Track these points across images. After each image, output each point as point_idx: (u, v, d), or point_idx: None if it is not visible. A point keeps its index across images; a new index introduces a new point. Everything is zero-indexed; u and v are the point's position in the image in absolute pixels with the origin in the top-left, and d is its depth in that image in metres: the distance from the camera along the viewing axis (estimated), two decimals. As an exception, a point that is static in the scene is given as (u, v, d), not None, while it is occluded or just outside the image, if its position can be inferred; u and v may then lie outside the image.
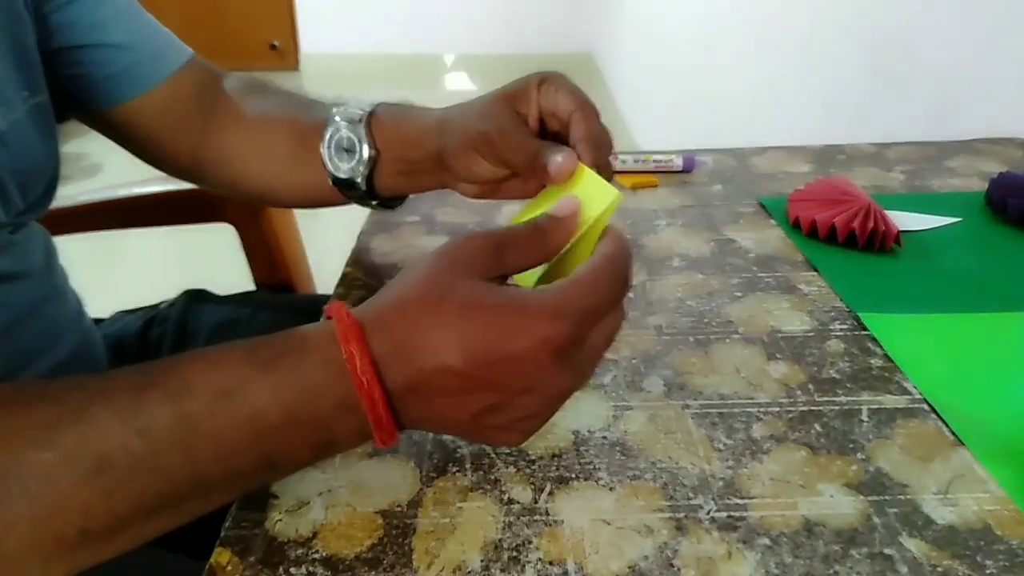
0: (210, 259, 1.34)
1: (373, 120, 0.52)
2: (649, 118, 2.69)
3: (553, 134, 0.46)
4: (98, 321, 0.68)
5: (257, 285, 0.82)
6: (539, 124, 0.47)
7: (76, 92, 0.53)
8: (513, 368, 0.30)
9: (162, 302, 0.71)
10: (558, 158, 0.40)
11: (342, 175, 0.53)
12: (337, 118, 0.53)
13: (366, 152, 0.52)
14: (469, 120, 0.48)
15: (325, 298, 0.57)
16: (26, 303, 0.49)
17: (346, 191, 0.55)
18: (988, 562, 0.32)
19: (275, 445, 0.30)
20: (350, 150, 0.53)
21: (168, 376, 0.30)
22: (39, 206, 0.50)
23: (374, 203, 0.56)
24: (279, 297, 0.77)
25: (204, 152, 0.59)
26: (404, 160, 0.52)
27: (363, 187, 0.54)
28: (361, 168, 0.52)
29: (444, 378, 0.30)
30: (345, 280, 0.55)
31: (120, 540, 0.30)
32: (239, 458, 0.30)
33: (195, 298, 0.70)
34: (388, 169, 0.53)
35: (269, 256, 0.80)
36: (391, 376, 0.30)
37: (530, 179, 0.45)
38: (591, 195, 0.38)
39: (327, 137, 0.53)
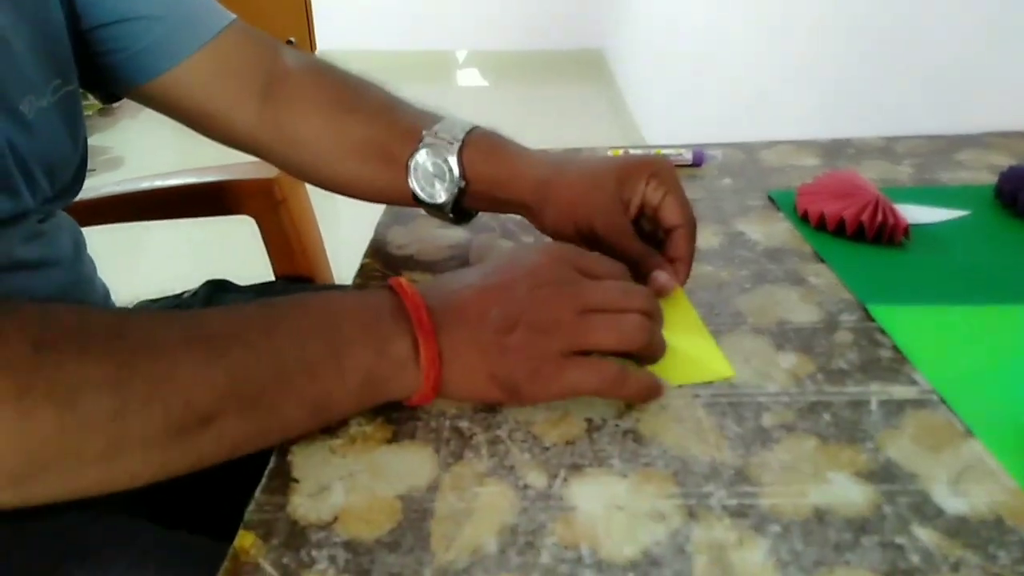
0: (230, 251, 1.36)
1: (466, 150, 0.51)
2: (658, 113, 2.68)
3: (642, 218, 0.51)
4: (122, 311, 0.69)
5: (276, 276, 0.83)
6: (638, 211, 0.50)
7: (112, 70, 0.52)
8: (513, 273, 0.40)
9: (184, 292, 0.72)
10: (662, 277, 0.47)
11: (426, 198, 0.53)
12: (426, 147, 0.52)
13: (456, 182, 0.52)
14: (575, 196, 0.49)
15: (343, 288, 0.57)
16: (55, 291, 0.50)
17: (426, 207, 0.55)
18: (1001, 553, 0.32)
19: (342, 337, 0.37)
20: (439, 176, 0.52)
21: (256, 300, 0.39)
22: (67, 194, 0.51)
23: (451, 217, 0.55)
24: (299, 287, 0.78)
25: (264, 131, 0.57)
26: (490, 195, 0.53)
27: (449, 210, 0.54)
28: (449, 196, 0.52)
29: (466, 289, 0.40)
30: (363, 271, 0.56)
31: (210, 436, 0.33)
32: (314, 343, 0.36)
33: (217, 288, 0.71)
34: (473, 197, 0.53)
35: (288, 248, 0.81)
36: (430, 298, 0.39)
37: None
38: (706, 359, 0.45)
39: (414, 162, 0.53)
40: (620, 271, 0.43)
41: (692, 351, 0.45)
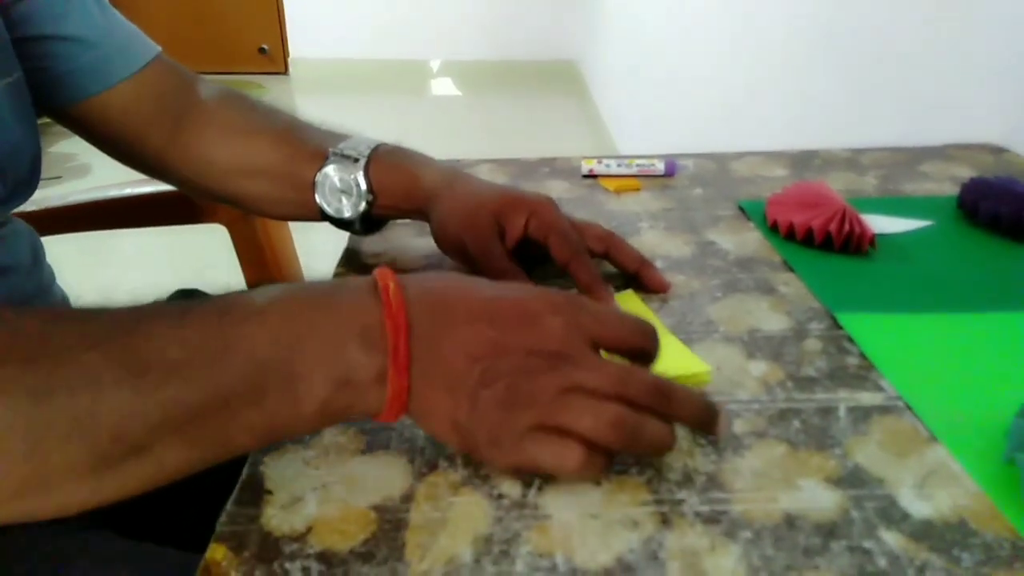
0: (201, 259, 1.34)
1: (373, 164, 0.54)
2: (631, 124, 2.71)
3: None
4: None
5: (248, 285, 0.82)
6: (520, 240, 0.52)
7: (40, 86, 0.53)
8: (515, 321, 0.35)
9: (155, 301, 0.70)
10: None
11: (333, 213, 0.56)
12: (332, 164, 0.54)
13: (364, 195, 0.54)
14: (455, 214, 0.52)
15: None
16: (11, 298, 0.49)
17: (333, 222, 0.57)
18: (964, 555, 0.32)
19: (298, 365, 0.32)
20: (346, 191, 0.54)
21: (217, 299, 0.34)
22: (23, 192, 0.51)
23: (359, 230, 0.58)
24: None
25: (174, 154, 0.59)
26: (395, 206, 0.56)
27: (358, 225, 0.56)
28: (358, 210, 0.55)
29: (461, 319, 0.35)
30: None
31: (146, 464, 0.30)
32: (265, 373, 0.32)
33: (187, 297, 0.70)
34: (381, 208, 0.56)
35: (261, 257, 0.80)
36: (417, 310, 0.34)
37: None
38: (677, 359, 0.45)
39: (321, 177, 0.55)
40: (638, 341, 0.37)
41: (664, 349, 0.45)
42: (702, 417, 0.36)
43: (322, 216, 0.57)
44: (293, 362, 0.32)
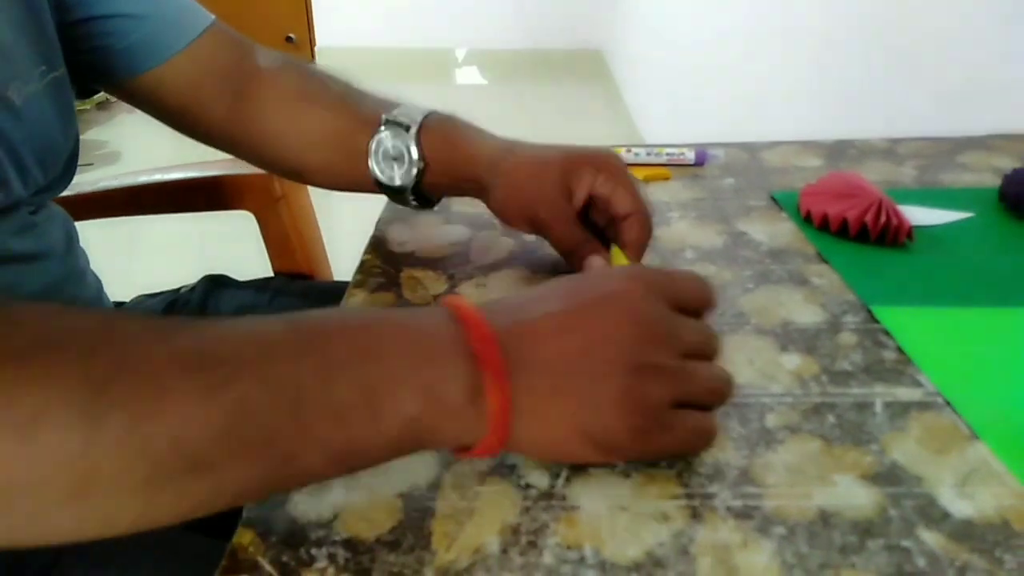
0: (228, 246, 1.35)
1: (424, 132, 0.53)
2: (657, 113, 2.68)
3: (594, 211, 0.51)
4: (119, 304, 0.68)
5: (275, 272, 0.83)
6: (586, 201, 0.50)
7: (97, 65, 0.53)
8: (603, 305, 0.34)
9: (183, 287, 0.71)
10: (597, 262, 0.48)
11: (387, 181, 0.55)
12: (386, 130, 0.54)
13: (416, 163, 0.53)
14: (522, 178, 0.51)
15: (343, 284, 0.57)
16: (46, 283, 0.49)
17: (389, 193, 0.56)
18: (1007, 557, 0.31)
19: (380, 375, 0.30)
20: (398, 159, 0.54)
21: (288, 316, 0.32)
22: (59, 184, 0.51)
23: (414, 202, 0.57)
24: (298, 283, 0.78)
25: (235, 125, 0.59)
26: (449, 175, 0.54)
27: (411, 194, 0.55)
28: (409, 178, 0.54)
29: (545, 320, 0.33)
30: (364, 267, 0.56)
31: (204, 482, 0.27)
32: (343, 379, 0.29)
33: (215, 283, 0.71)
34: (433, 178, 0.54)
35: (287, 244, 0.80)
36: (498, 321, 0.32)
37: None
38: None
39: (375, 144, 0.54)
40: (709, 294, 0.38)
41: None
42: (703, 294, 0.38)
43: (376, 185, 0.56)
44: (376, 371, 0.30)
